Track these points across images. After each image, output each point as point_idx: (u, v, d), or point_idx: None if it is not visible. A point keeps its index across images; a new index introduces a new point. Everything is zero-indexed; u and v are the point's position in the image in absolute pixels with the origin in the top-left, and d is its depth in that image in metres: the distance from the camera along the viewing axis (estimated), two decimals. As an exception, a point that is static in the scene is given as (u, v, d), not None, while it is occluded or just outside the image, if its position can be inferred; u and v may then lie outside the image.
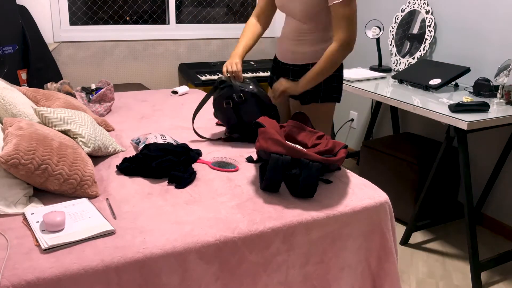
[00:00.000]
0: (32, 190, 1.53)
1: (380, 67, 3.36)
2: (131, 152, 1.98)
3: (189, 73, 3.74)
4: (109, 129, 2.24)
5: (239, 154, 2.00)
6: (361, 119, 3.97)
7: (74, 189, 1.53)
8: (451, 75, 2.74)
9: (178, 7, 3.98)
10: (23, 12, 3.23)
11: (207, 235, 1.36)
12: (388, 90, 2.76)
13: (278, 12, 4.20)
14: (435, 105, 2.43)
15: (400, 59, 3.36)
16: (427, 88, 2.77)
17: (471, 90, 2.79)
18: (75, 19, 3.63)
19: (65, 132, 1.77)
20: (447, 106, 2.42)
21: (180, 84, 4.03)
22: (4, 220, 1.39)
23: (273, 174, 1.59)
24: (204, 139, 2.14)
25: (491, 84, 2.62)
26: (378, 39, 3.35)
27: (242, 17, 4.28)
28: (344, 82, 2.96)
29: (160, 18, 3.94)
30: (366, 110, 3.91)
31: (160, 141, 1.90)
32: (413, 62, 3.24)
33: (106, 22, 3.75)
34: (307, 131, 1.92)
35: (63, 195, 1.56)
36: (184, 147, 1.84)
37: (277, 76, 2.28)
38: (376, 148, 3.05)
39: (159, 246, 1.30)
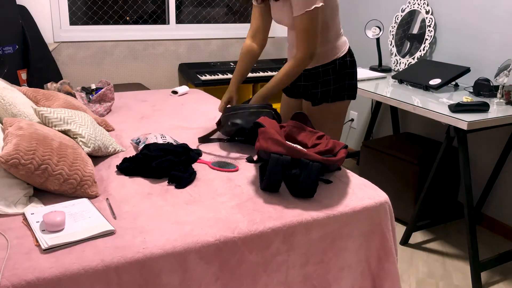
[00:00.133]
0: (32, 190, 1.53)
1: (380, 67, 3.36)
2: (131, 152, 1.98)
3: (189, 73, 3.74)
4: (109, 129, 2.24)
5: (239, 154, 2.00)
6: (361, 119, 3.97)
7: (74, 189, 1.53)
8: (451, 75, 2.74)
9: (178, 7, 3.98)
10: (23, 12, 3.23)
11: (207, 235, 1.36)
12: (388, 90, 2.76)
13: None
14: (435, 105, 2.43)
15: (400, 59, 3.36)
16: (427, 88, 2.77)
17: (471, 90, 2.79)
18: (75, 19, 3.63)
19: (65, 132, 1.77)
20: (447, 106, 2.42)
21: (180, 84, 4.03)
22: (4, 220, 1.39)
23: (273, 174, 1.59)
24: (213, 141, 2.13)
25: (491, 84, 2.62)
26: (378, 39, 3.34)
27: (242, 17, 4.28)
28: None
29: (160, 18, 3.94)
30: (366, 110, 3.91)
31: (160, 141, 1.90)
32: (413, 62, 3.24)
33: (106, 22, 3.75)
34: (307, 131, 1.92)
35: (63, 195, 1.56)
36: (184, 147, 1.84)
37: (292, 83, 2.27)
38: (376, 148, 3.05)
39: (159, 246, 1.30)
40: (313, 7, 1.88)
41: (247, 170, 1.83)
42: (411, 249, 2.69)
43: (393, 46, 3.43)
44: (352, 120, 4.06)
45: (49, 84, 2.43)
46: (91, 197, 1.56)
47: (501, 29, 2.76)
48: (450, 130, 2.42)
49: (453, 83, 2.93)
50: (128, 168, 1.75)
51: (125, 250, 1.27)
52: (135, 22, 3.86)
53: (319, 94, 2.12)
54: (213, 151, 2.02)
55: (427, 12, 3.18)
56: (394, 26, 3.43)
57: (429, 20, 3.15)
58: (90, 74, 3.67)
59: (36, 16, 3.35)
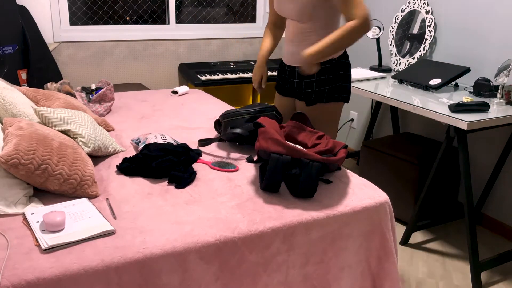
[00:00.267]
0: (32, 190, 1.53)
1: (380, 67, 3.36)
2: (131, 152, 1.98)
3: (189, 73, 3.74)
4: (109, 129, 2.24)
5: (239, 154, 2.00)
6: (361, 119, 3.97)
7: (74, 189, 1.53)
8: (451, 75, 2.74)
9: (178, 7, 3.98)
10: (23, 12, 3.23)
11: (207, 235, 1.37)
12: (388, 90, 2.76)
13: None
14: (435, 105, 2.43)
15: (400, 59, 3.36)
16: (427, 88, 2.77)
17: (471, 90, 2.79)
18: (75, 19, 3.63)
19: (65, 132, 1.77)
20: (447, 106, 2.42)
21: (180, 84, 4.03)
22: (4, 220, 1.39)
23: (273, 174, 1.59)
24: (214, 141, 2.13)
25: (491, 84, 2.62)
26: (378, 39, 3.35)
27: (242, 17, 4.28)
28: (344, 82, 2.96)
29: (160, 18, 3.94)
30: (366, 110, 3.91)
31: (160, 141, 1.90)
32: (413, 62, 3.24)
33: (106, 22, 3.75)
34: (307, 131, 1.92)
35: (63, 195, 1.56)
36: (184, 147, 1.84)
37: (282, 80, 2.27)
38: (376, 148, 3.05)
39: (159, 246, 1.30)
40: None
41: (247, 170, 1.83)
42: (411, 249, 2.69)
43: (393, 46, 3.43)
44: (352, 120, 4.06)
45: (49, 84, 2.43)
46: (91, 197, 1.56)
47: (501, 29, 2.76)
48: (450, 130, 2.42)
49: (453, 83, 2.93)
50: (128, 168, 1.75)
51: (125, 250, 1.27)
52: (135, 22, 3.86)
53: (313, 94, 2.11)
54: (213, 151, 2.02)
55: (427, 12, 3.18)
56: (394, 26, 3.43)
57: (429, 20, 3.15)
58: (90, 74, 3.66)
59: (36, 16, 3.35)
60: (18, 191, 1.48)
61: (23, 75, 3.17)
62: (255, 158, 1.94)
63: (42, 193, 1.57)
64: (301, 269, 1.52)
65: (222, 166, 1.84)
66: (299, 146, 1.75)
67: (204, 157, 1.94)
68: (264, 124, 1.75)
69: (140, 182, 1.69)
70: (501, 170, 2.82)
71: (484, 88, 2.63)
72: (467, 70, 2.73)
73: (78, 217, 1.40)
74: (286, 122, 2.32)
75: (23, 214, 1.43)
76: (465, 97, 2.49)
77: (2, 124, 1.76)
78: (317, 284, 1.56)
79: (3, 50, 3.01)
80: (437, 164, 2.53)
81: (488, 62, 2.86)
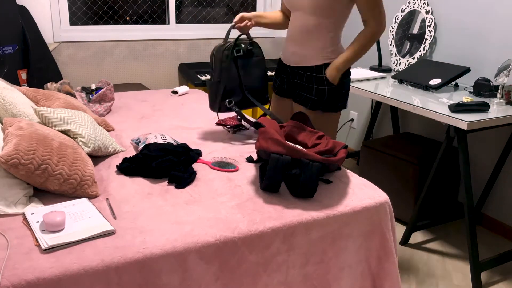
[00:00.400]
0: (32, 190, 1.53)
1: (380, 67, 3.36)
2: (131, 152, 1.98)
3: (189, 73, 3.74)
4: (109, 129, 2.24)
5: (239, 154, 2.00)
6: (361, 119, 3.97)
7: (74, 189, 1.53)
8: (451, 75, 2.74)
9: (178, 7, 3.98)
10: (23, 12, 3.23)
11: (207, 235, 1.36)
12: (388, 90, 2.76)
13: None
14: (435, 105, 2.43)
15: (400, 59, 3.36)
16: (427, 88, 2.77)
17: (471, 90, 2.79)
18: (75, 19, 3.63)
19: (65, 132, 1.77)
20: (447, 106, 2.42)
21: (180, 84, 4.03)
22: (4, 220, 1.39)
23: (273, 174, 1.59)
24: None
25: (491, 84, 2.62)
26: (378, 39, 3.34)
27: (242, 17, 4.28)
28: (344, 82, 2.96)
29: (160, 18, 3.94)
30: (366, 110, 3.91)
31: (160, 141, 1.90)
32: (413, 62, 3.24)
33: (106, 22, 3.75)
34: (307, 131, 1.92)
35: (63, 195, 1.56)
36: (184, 147, 1.84)
37: (280, 80, 2.26)
38: (376, 148, 3.05)
39: (159, 246, 1.30)
40: None
41: (247, 170, 1.83)
42: (411, 249, 2.69)
43: (393, 46, 3.43)
44: (352, 120, 4.06)
45: (49, 84, 2.43)
46: (91, 197, 1.56)
47: (501, 29, 2.76)
48: (450, 130, 2.42)
49: (453, 83, 2.93)
50: (128, 168, 1.75)
51: (125, 250, 1.27)
52: (135, 22, 3.86)
53: (311, 101, 2.10)
54: (213, 151, 2.02)
55: (427, 12, 3.18)
56: (394, 26, 3.43)
57: (429, 20, 3.15)
58: (90, 74, 3.66)
59: (36, 16, 3.35)
60: (18, 191, 1.48)
61: (23, 75, 3.17)
62: (255, 158, 1.94)
63: (42, 193, 1.57)
64: (301, 269, 1.52)
65: (222, 166, 1.84)
66: (299, 146, 1.75)
67: (204, 157, 1.94)
68: (264, 124, 1.75)
69: (140, 182, 1.69)
70: (501, 170, 2.82)
71: (484, 88, 2.63)
72: (467, 70, 2.73)
73: (78, 217, 1.40)
74: (285, 122, 2.31)
75: (23, 214, 1.43)
76: (465, 97, 2.49)
77: (2, 124, 1.76)
78: (317, 284, 1.56)
79: (3, 50, 3.01)
80: (437, 164, 2.53)
81: (488, 62, 2.86)
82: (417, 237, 2.83)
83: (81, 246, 1.28)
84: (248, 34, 2.26)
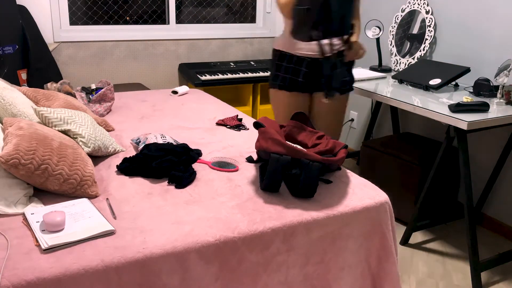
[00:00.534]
0: (32, 190, 1.53)
1: (380, 67, 3.35)
2: (131, 152, 1.98)
3: (189, 73, 3.74)
4: (109, 129, 2.24)
5: (239, 154, 2.00)
6: (361, 119, 3.97)
7: (74, 189, 1.53)
8: (451, 75, 2.74)
9: (178, 7, 3.98)
10: (23, 12, 3.23)
11: (207, 235, 1.36)
12: (388, 90, 2.76)
13: (279, 12, 4.20)
14: (435, 105, 2.43)
15: (400, 59, 3.36)
16: (427, 88, 2.76)
17: (471, 90, 2.79)
18: (75, 19, 3.63)
19: (65, 132, 1.77)
20: (447, 106, 2.42)
21: (180, 84, 4.02)
22: (4, 220, 1.39)
23: (273, 174, 1.59)
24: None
25: (491, 84, 2.62)
26: (378, 39, 3.34)
27: (242, 17, 4.28)
28: (344, 82, 2.96)
29: (160, 18, 3.94)
30: (366, 110, 3.91)
31: (160, 141, 1.90)
32: (413, 62, 3.24)
33: (106, 22, 3.75)
34: (307, 131, 1.92)
35: (63, 195, 1.56)
36: (184, 147, 1.84)
37: (295, 75, 2.22)
38: (376, 148, 3.05)
39: (159, 246, 1.30)
40: None
41: (247, 170, 1.83)
42: (411, 249, 2.69)
43: (393, 46, 3.43)
44: (352, 120, 4.06)
45: (49, 84, 2.43)
46: (91, 197, 1.56)
47: (501, 29, 2.76)
48: (450, 130, 2.42)
49: (453, 83, 2.93)
50: (128, 168, 1.75)
51: (125, 250, 1.27)
52: (135, 22, 3.86)
53: (341, 83, 2.14)
54: (213, 151, 2.02)
55: (427, 12, 3.18)
56: (394, 26, 3.43)
57: (429, 20, 3.15)
58: (90, 74, 3.66)
59: (36, 16, 3.35)
60: (18, 191, 1.48)
61: (23, 75, 3.17)
62: (255, 158, 1.94)
63: (42, 193, 1.57)
64: (301, 269, 1.52)
65: (222, 166, 1.84)
66: (299, 146, 1.75)
67: (204, 157, 1.94)
68: (264, 124, 1.75)
69: (140, 182, 1.69)
70: (501, 170, 2.82)
71: (484, 88, 2.63)
72: (467, 70, 2.73)
73: (78, 217, 1.40)
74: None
75: (23, 214, 1.43)
76: (465, 97, 2.49)
77: (2, 124, 1.76)
78: (317, 284, 1.56)
79: (3, 50, 3.01)
80: (437, 164, 2.53)
81: (488, 62, 2.86)
82: (417, 237, 2.82)
83: (81, 246, 1.28)
84: None
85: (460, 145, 2.32)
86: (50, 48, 3.44)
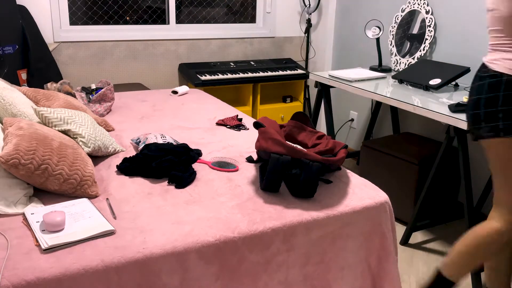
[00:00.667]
0: (32, 190, 1.53)
1: (380, 67, 3.36)
2: (131, 152, 1.98)
3: (189, 73, 3.74)
4: (109, 129, 2.24)
5: (239, 154, 2.00)
6: (361, 119, 3.97)
7: (74, 189, 1.53)
8: (451, 75, 2.74)
9: (178, 7, 3.98)
10: (23, 12, 3.23)
11: (207, 235, 1.36)
12: (388, 90, 2.76)
13: (279, 11, 4.20)
14: (435, 105, 2.43)
15: (400, 59, 3.36)
16: (427, 88, 2.76)
17: (471, 90, 2.79)
18: (75, 19, 3.63)
19: (65, 132, 1.77)
20: (447, 106, 2.42)
21: (180, 84, 4.02)
22: (4, 220, 1.39)
23: (273, 174, 1.59)
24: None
25: (491, 84, 2.62)
26: (378, 39, 3.34)
27: (242, 17, 4.28)
28: (344, 82, 2.96)
29: (160, 18, 3.94)
30: (366, 110, 3.91)
31: (160, 141, 1.90)
32: (413, 62, 3.24)
33: (106, 22, 3.75)
34: (307, 131, 1.92)
35: (63, 195, 1.56)
36: (184, 147, 1.84)
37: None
38: (376, 148, 3.05)
39: (159, 246, 1.30)
40: None
41: (247, 170, 1.83)
42: (411, 249, 2.69)
43: (393, 46, 3.43)
44: (352, 120, 4.06)
45: (49, 84, 2.43)
46: (91, 197, 1.56)
47: (501, 29, 2.76)
48: (450, 130, 2.42)
49: (453, 83, 2.93)
50: (128, 168, 1.75)
51: (125, 250, 1.27)
52: (135, 22, 3.86)
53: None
54: (213, 151, 2.02)
55: (427, 12, 3.18)
56: (394, 26, 3.43)
57: (429, 20, 3.15)
58: (90, 74, 3.66)
59: (36, 16, 3.35)
60: (18, 191, 1.48)
61: (23, 75, 3.17)
62: (255, 158, 1.94)
63: (42, 193, 1.57)
64: (301, 269, 1.52)
65: (222, 166, 1.84)
66: (299, 146, 1.75)
67: (204, 157, 1.94)
68: (264, 124, 1.75)
69: (140, 182, 1.69)
70: (501, 170, 2.82)
71: (484, 88, 2.63)
72: (467, 70, 2.73)
73: (78, 217, 1.40)
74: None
75: (23, 214, 1.43)
76: (465, 97, 2.49)
77: (2, 124, 1.76)
78: (317, 284, 1.56)
79: (3, 50, 3.01)
80: (437, 164, 2.53)
81: (488, 62, 2.86)
82: (417, 237, 2.82)
83: (81, 246, 1.28)
84: None
85: (460, 145, 2.32)
86: (50, 48, 3.44)
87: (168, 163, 1.72)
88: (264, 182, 1.61)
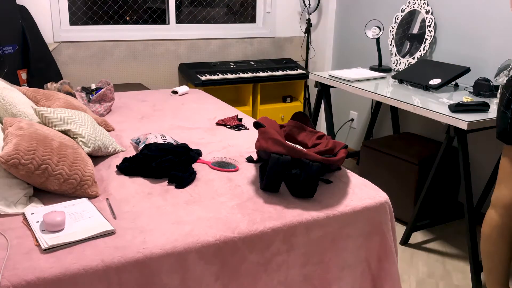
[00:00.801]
0: (32, 190, 1.53)
1: (380, 67, 3.36)
2: (131, 152, 1.98)
3: (189, 73, 3.74)
4: (109, 129, 2.24)
5: (239, 154, 2.00)
6: (361, 119, 3.97)
7: (74, 189, 1.53)
8: (451, 75, 2.74)
9: (178, 7, 3.98)
10: (23, 12, 3.23)
11: (207, 235, 1.36)
12: (388, 90, 2.76)
13: (279, 11, 4.20)
14: (435, 105, 2.43)
15: (400, 59, 3.36)
16: (427, 88, 2.76)
17: (471, 90, 2.79)
18: (75, 19, 3.63)
19: (65, 132, 1.77)
20: (447, 106, 2.42)
21: (180, 84, 4.02)
22: (4, 220, 1.39)
23: (273, 174, 1.59)
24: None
25: (491, 84, 2.62)
26: (378, 39, 3.34)
27: (242, 17, 4.28)
28: (344, 82, 2.96)
29: (160, 18, 3.94)
30: (366, 110, 3.91)
31: (160, 141, 1.90)
32: (413, 62, 3.24)
33: (106, 22, 3.75)
34: (307, 131, 1.92)
35: (63, 195, 1.56)
36: (184, 147, 1.84)
37: None
38: (376, 148, 3.05)
39: (159, 246, 1.30)
40: None
41: (247, 170, 1.83)
42: (411, 249, 2.69)
43: (393, 46, 3.43)
44: (352, 120, 4.06)
45: (49, 84, 2.43)
46: (91, 197, 1.56)
47: (501, 29, 2.76)
48: (450, 130, 2.42)
49: (453, 83, 2.93)
50: (128, 168, 1.75)
51: (125, 250, 1.27)
52: (135, 22, 3.86)
53: None
54: (213, 151, 2.02)
55: (427, 12, 3.18)
56: (394, 26, 3.43)
57: (429, 20, 3.15)
58: (90, 74, 3.66)
59: (36, 16, 3.35)
60: (18, 191, 1.48)
61: (23, 75, 3.17)
62: (255, 158, 1.94)
63: (42, 193, 1.57)
64: (301, 269, 1.52)
65: (222, 166, 1.84)
66: (299, 146, 1.75)
67: (204, 157, 1.94)
68: (264, 124, 1.75)
69: (140, 182, 1.69)
70: (501, 170, 2.82)
71: (484, 88, 2.63)
72: (467, 70, 2.73)
73: (78, 217, 1.40)
74: None
75: (23, 214, 1.43)
76: (465, 97, 2.49)
77: (2, 124, 1.76)
78: (317, 284, 1.56)
79: (3, 50, 3.01)
80: (437, 164, 2.53)
81: (488, 62, 2.86)
82: (417, 237, 2.82)
83: (81, 246, 1.28)
84: None
85: (460, 145, 2.32)
86: (50, 48, 3.44)
87: (168, 163, 1.72)
88: (264, 182, 1.61)
